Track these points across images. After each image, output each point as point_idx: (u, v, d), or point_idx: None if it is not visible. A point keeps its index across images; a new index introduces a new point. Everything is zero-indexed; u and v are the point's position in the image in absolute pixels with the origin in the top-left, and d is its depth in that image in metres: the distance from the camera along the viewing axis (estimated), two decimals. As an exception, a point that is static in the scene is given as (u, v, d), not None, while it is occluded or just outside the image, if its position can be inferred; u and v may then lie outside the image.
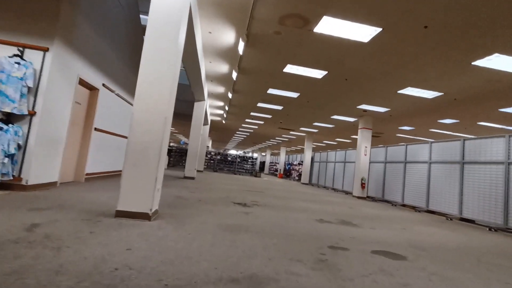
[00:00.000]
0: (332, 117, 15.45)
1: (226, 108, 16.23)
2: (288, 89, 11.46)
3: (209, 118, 21.09)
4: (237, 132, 29.05)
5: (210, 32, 7.39)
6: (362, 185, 13.66)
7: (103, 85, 7.16)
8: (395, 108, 12.19)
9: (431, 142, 10.98)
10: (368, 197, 14.30)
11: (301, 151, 41.29)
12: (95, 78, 6.69)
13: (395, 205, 12.07)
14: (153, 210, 3.97)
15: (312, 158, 23.69)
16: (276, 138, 29.52)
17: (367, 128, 14.10)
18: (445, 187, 9.92)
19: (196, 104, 12.74)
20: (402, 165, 12.41)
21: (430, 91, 9.49)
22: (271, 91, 11.98)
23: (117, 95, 8.05)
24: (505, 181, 7.86)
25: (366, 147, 13.98)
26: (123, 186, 3.86)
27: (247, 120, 20.43)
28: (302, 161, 26.39)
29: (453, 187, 9.59)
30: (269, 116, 17.73)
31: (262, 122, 20.56)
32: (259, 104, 14.79)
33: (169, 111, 4.20)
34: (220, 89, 13.00)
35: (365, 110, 13.15)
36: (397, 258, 3.62)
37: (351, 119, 15.44)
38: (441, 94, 9.66)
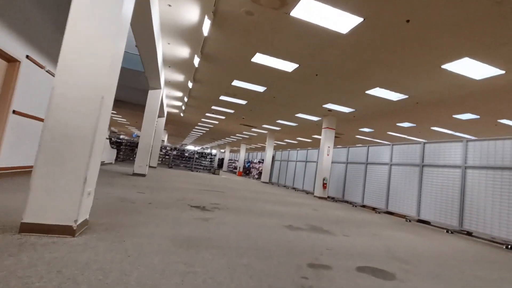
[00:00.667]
0: (296, 115, 15.13)
1: (185, 99, 14.95)
2: (255, 82, 10.73)
3: (166, 109, 19.48)
4: (196, 127, 27.61)
5: (169, 5, 6.29)
6: (324, 185, 13.54)
7: (27, 57, 5.65)
8: (360, 109, 12.20)
9: (393, 144, 11.14)
10: (329, 197, 14.26)
11: (262, 149, 41.08)
12: (15, 47, 5.19)
13: (355, 206, 12.10)
14: (79, 222, 2.90)
15: (273, 157, 23.38)
16: (237, 134, 28.72)
17: (330, 128, 14.02)
18: (404, 189, 10.08)
19: (150, 93, 11.35)
20: (363, 166, 12.50)
21: (397, 93, 9.51)
22: (236, 83, 11.13)
23: (48, 71, 6.51)
24: (461, 184, 8.09)
25: (329, 147, 13.90)
26: (33, 189, 2.74)
27: (207, 114, 19.28)
28: (262, 159, 25.98)
29: (412, 189, 9.76)
30: (232, 111, 16.85)
31: (223, 117, 19.58)
32: (222, 97, 13.83)
33: (109, 90, 3.15)
34: (179, 77, 11.77)
35: (330, 110, 13.00)
36: (386, 277, 3.08)
37: (315, 118, 15.29)
38: (405, 97, 9.75)
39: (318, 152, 16.50)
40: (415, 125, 13.40)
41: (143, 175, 10.99)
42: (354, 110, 12.35)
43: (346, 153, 13.82)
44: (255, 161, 27.72)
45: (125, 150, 22.52)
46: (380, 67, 7.63)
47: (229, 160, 39.73)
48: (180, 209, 5.30)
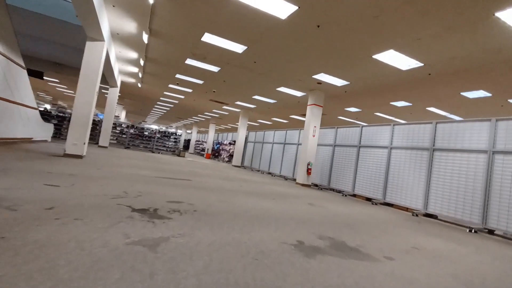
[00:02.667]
0: (278, 89, 12.89)
1: (141, 62, 11.91)
2: (233, 37, 8.22)
3: (118, 77, 16.11)
4: (158, 103, 24.23)
5: None
6: (308, 171, 11.70)
7: None
8: (356, 82, 10.29)
9: (394, 124, 9.46)
10: (313, 184, 12.49)
11: (233, 129, 38.61)
12: None
13: (345, 195, 10.44)
14: None
15: (246, 138, 21.15)
16: (205, 113, 25.88)
17: (317, 105, 12.04)
18: (409, 177, 8.50)
19: (89, 46, 8.30)
20: (355, 150, 10.79)
21: (412, 59, 7.65)
22: (207, 37, 8.51)
23: None
24: (487, 172, 6.58)
25: (315, 127, 11.96)
26: None
27: (171, 86, 16.28)
28: (234, 141, 23.66)
29: (419, 177, 8.19)
30: (200, 82, 14.12)
31: (190, 91, 16.72)
32: (189, 61, 11.08)
33: None
34: (130, 27, 8.82)
35: (319, 82, 10.93)
36: None
37: (299, 94, 13.19)
38: (420, 65, 7.95)
39: (300, 134, 14.59)
40: (410, 104, 11.90)
41: (79, 157, 8.14)
42: (348, 83, 10.41)
43: (334, 135, 12.01)
44: (225, 142, 25.31)
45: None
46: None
47: (196, 141, 36.79)
48: (109, 219, 2.89)
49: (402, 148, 8.94)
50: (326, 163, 12.19)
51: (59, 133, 18.33)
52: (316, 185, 12.40)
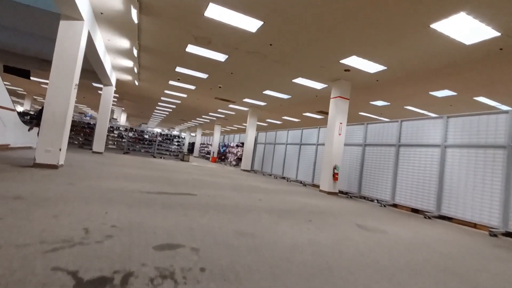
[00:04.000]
0: (294, 80, 11.06)
1: (135, 52, 10.17)
2: (245, 9, 6.44)
3: (111, 73, 14.45)
4: (160, 103, 22.58)
5: None
6: (335, 176, 9.83)
7: None
8: (396, 67, 8.43)
9: (448, 117, 7.56)
10: (340, 192, 10.60)
11: (239, 131, 36.88)
12: None
13: (384, 205, 8.55)
14: None
15: (255, 139, 19.35)
16: (210, 114, 24.15)
17: (343, 98, 10.18)
18: (476, 183, 6.59)
19: (63, 26, 6.57)
20: (393, 149, 8.90)
21: (488, 26, 5.77)
22: (212, 11, 6.74)
23: None
24: None
25: (341, 123, 10.10)
26: None
27: (171, 82, 14.57)
28: (241, 143, 21.88)
29: (492, 183, 6.29)
30: (204, 76, 12.36)
31: (193, 88, 14.99)
32: (190, 48, 9.34)
33: None
34: (115, 2, 7.08)
35: (348, 70, 9.08)
36: None
37: (319, 86, 11.34)
38: (488, 38, 6.06)
39: (319, 132, 12.73)
40: (455, 93, 9.98)
41: (53, 167, 6.40)
42: (384, 68, 8.55)
43: (363, 132, 10.14)
44: (232, 144, 23.53)
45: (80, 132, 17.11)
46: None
47: (201, 144, 35.11)
48: None
49: (461, 147, 7.03)
50: (354, 166, 10.31)
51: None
52: (343, 193, 10.52)
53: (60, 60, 6.52)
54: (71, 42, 6.61)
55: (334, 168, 9.87)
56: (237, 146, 22.30)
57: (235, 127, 32.59)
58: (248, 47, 8.42)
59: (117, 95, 21.34)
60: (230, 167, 20.85)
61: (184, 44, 8.96)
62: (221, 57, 9.65)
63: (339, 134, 10.06)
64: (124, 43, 9.63)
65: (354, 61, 8.39)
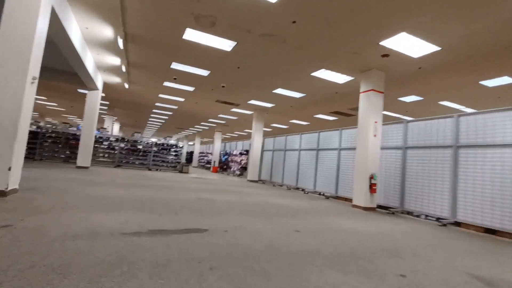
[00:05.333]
0: (314, 74, 9.26)
1: (120, 42, 8.28)
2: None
3: (96, 74, 12.59)
4: (154, 111, 20.69)
5: None
6: (372, 188, 7.94)
7: None
8: (458, 45, 6.64)
9: (535, 106, 5.74)
10: (378, 207, 8.68)
11: (240, 137, 35.02)
12: None
13: (444, 225, 6.65)
14: None
15: (262, 146, 17.46)
16: (210, 120, 22.29)
17: (376, 91, 8.37)
18: None
19: (16, -3, 4.73)
20: (449, 152, 7.05)
21: None
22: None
23: None
24: None
25: (376, 122, 8.27)
26: None
27: (167, 84, 12.72)
28: (245, 151, 19.98)
29: None
30: (205, 73, 10.52)
31: (191, 89, 13.14)
32: (188, 35, 7.53)
33: None
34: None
35: (386, 55, 7.29)
36: None
37: (343, 79, 9.54)
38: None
39: (341, 135, 10.89)
40: (513, 81, 8.22)
41: (1, 194, 4.46)
42: (437, 49, 6.76)
43: (403, 132, 8.31)
44: (234, 152, 21.62)
45: (52, 143, 15.14)
46: None
47: (200, 153, 33.13)
48: None
49: (562, 145, 5.20)
50: (393, 174, 8.43)
51: (32, 153, 14.74)
52: (382, 207, 8.61)
53: (8, 45, 4.63)
54: (23, 20, 4.74)
55: (371, 177, 7.98)
56: (241, 154, 20.39)
57: (236, 133, 30.73)
58: (263, 27, 6.60)
59: (107, 103, 19.43)
60: (233, 177, 18.89)
61: (181, 29, 7.12)
62: (227, 45, 7.82)
63: (375, 136, 8.21)
64: (107, 31, 7.77)
65: (398, 42, 6.59)
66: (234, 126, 24.39)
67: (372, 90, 8.28)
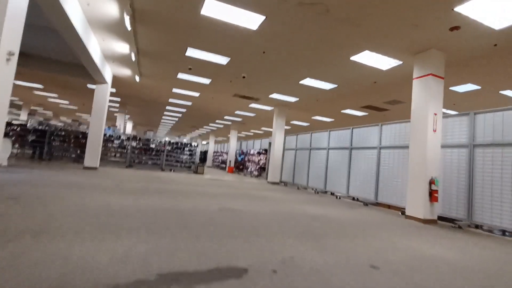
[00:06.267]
0: (354, 58, 7.79)
1: (127, 24, 7.06)
2: None
3: (103, 65, 11.52)
4: (168, 108, 19.64)
5: None
6: (433, 195, 6.41)
7: None
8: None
9: None
10: (440, 218, 7.11)
11: (255, 136, 33.73)
12: None
13: (540, 246, 5.06)
14: None
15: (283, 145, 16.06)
16: (226, 117, 21.08)
17: (436, 76, 6.81)
18: None
19: None
20: (544, 151, 5.44)
21: None
22: None
23: None
24: None
25: (435, 114, 6.72)
26: None
27: (181, 76, 11.53)
28: (264, 150, 18.63)
29: None
30: (224, 61, 9.24)
31: (207, 82, 11.90)
32: (207, 10, 6.24)
33: None
34: None
35: (455, 27, 5.74)
36: None
37: (389, 64, 8.03)
38: None
39: (381, 131, 9.36)
40: None
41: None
42: (529, 17, 5.17)
43: (469, 126, 6.72)
44: (251, 152, 20.30)
45: (61, 142, 14.29)
46: None
47: (214, 152, 32.04)
48: None
49: None
50: (455, 178, 6.86)
51: (40, 153, 13.94)
52: (444, 219, 7.04)
53: None
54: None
55: (432, 182, 6.45)
56: (259, 153, 19.04)
57: (252, 132, 29.44)
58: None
59: (118, 99, 18.52)
60: (251, 178, 17.58)
61: (197, 2, 5.82)
62: (253, 21, 6.47)
63: (434, 131, 6.66)
64: (111, 8, 6.57)
65: (479, 6, 5.04)
66: (251, 123, 23.09)
67: (431, 74, 6.73)
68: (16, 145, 14.97)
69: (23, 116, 26.05)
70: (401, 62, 7.73)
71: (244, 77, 10.43)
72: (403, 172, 8.22)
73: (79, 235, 2.96)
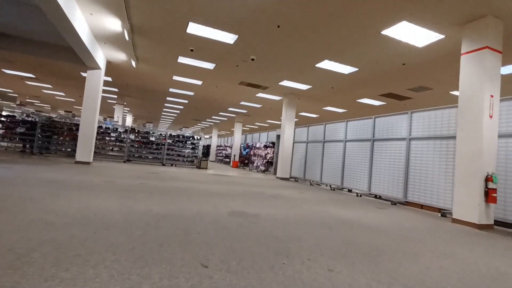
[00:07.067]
0: (386, 31, 6.57)
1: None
2: None
3: (92, 45, 10.35)
4: (168, 99, 18.48)
5: None
6: (490, 195, 5.24)
7: None
8: None
9: None
10: (498, 223, 5.94)
11: (261, 129, 32.54)
12: None
13: None
14: None
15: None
16: (229, 109, 19.91)
17: (493, 50, 5.58)
18: None
19: None
20: None
21: None
22: None
23: None
24: None
25: (492, 96, 5.52)
26: None
27: (181, 60, 10.36)
28: (271, 143, 17.47)
29: None
30: (231, 39, 8.04)
31: (211, 67, 10.72)
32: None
33: None
34: None
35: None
36: None
37: (424, 41, 6.79)
38: None
39: (410, 120, 8.18)
40: None
41: None
42: None
43: (534, 111, 5.51)
44: (257, 145, 19.16)
45: (53, 134, 13.22)
46: None
47: (218, 146, 30.94)
48: None
49: None
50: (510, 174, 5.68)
51: (30, 146, 12.90)
52: (501, 224, 5.87)
53: None
54: None
55: (489, 179, 5.28)
56: (266, 147, 17.90)
57: (257, 125, 28.26)
58: None
59: (115, 90, 17.38)
60: (258, 173, 16.47)
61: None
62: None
63: (491, 117, 5.47)
64: (95, -32, 5.38)
65: None
66: (256, 116, 21.91)
67: (487, 48, 5.50)
68: (6, 139, 13.92)
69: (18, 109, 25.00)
70: (443, 36, 6.49)
71: (253, 59, 9.22)
72: (439, 166, 7.05)
73: (16, 273, 1.83)
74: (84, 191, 4.96)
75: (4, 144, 14.80)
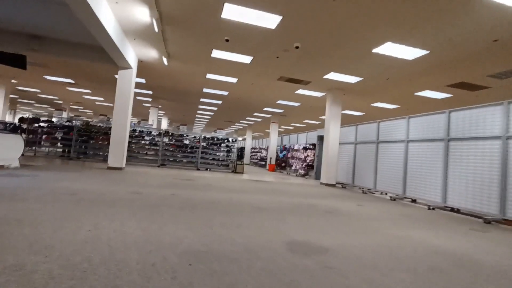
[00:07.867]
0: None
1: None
2: None
3: (122, 42, 9.68)
4: (202, 100, 17.81)
5: None
6: None
7: None
8: None
9: None
10: None
11: (296, 130, 31.03)
12: None
13: None
14: None
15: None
16: (265, 109, 18.74)
17: None
18: None
19: None
20: None
21: None
22: None
23: None
24: None
25: None
26: None
27: (216, 54, 9.40)
28: (311, 144, 15.96)
29: None
30: (273, 23, 6.83)
31: (248, 60, 9.61)
32: None
33: None
34: None
35: None
36: None
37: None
38: None
39: (509, 113, 6.29)
40: None
41: None
42: None
43: None
44: (296, 147, 17.73)
45: (90, 138, 13.08)
46: None
47: (252, 148, 29.96)
48: None
49: None
50: None
51: (68, 150, 12.83)
52: None
53: None
54: None
55: None
56: (305, 149, 16.41)
57: (293, 125, 26.79)
58: None
59: (150, 92, 17.08)
60: (297, 178, 15.05)
61: None
62: None
63: None
64: None
65: None
66: (293, 116, 20.50)
67: None
68: (47, 143, 14.10)
69: (64, 115, 26.18)
70: None
71: (297, 47, 7.89)
72: None
73: None
74: (103, 207, 4.02)
75: (45, 149, 15.08)
